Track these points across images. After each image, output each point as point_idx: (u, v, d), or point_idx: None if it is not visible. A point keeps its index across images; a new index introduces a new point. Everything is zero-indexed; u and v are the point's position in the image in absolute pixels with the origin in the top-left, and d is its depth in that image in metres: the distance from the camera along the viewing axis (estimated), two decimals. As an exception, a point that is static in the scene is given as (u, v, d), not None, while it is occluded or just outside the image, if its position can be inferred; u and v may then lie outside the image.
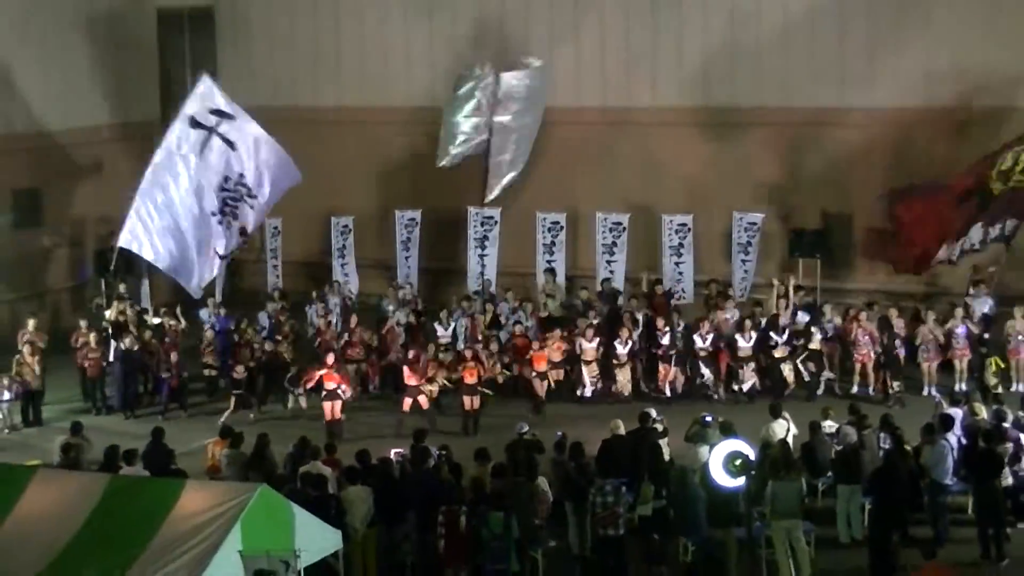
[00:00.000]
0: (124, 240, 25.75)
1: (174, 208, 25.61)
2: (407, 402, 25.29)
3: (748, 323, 26.63)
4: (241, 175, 26.10)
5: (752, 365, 26.52)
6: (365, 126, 31.91)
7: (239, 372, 26.42)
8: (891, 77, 29.32)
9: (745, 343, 26.48)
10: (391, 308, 28.88)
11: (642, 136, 31.44)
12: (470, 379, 25.46)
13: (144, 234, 25.54)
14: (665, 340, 26.78)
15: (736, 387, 26.65)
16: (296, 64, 34.82)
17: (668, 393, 26.63)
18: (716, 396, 26.52)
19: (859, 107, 29.52)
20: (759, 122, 30.37)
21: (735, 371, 26.66)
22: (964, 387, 25.65)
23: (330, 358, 25.41)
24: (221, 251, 26.12)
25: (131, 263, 29.83)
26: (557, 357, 26.62)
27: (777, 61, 30.38)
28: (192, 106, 25.89)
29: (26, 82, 31.59)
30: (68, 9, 32.37)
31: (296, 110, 34.00)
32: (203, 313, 29.08)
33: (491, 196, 30.31)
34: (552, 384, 26.48)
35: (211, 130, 25.81)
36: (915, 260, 26.60)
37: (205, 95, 26.03)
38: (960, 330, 26.17)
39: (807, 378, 26.42)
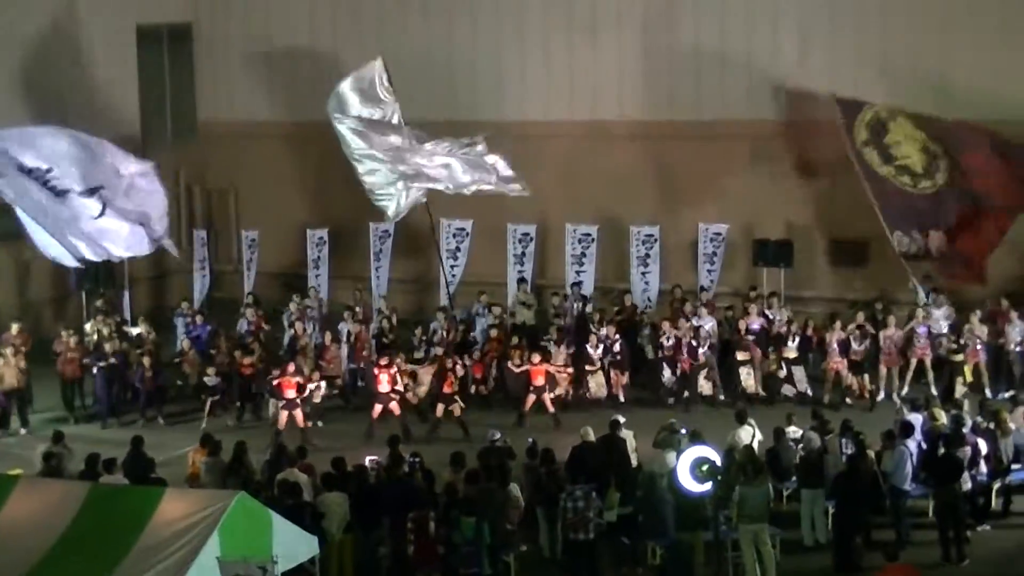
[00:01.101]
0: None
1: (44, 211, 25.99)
2: (377, 409, 25.39)
3: (702, 332, 26.85)
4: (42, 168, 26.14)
5: (705, 372, 26.76)
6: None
7: (210, 374, 26.69)
8: (851, 89, 29.68)
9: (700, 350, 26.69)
10: (358, 309, 29.14)
11: (610, 149, 31.70)
12: (448, 388, 25.52)
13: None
14: (616, 348, 26.86)
15: (687, 393, 26.78)
16: (273, 79, 35.01)
17: (622, 399, 26.70)
18: (671, 400, 26.67)
19: (821, 119, 29.70)
20: (723, 135, 30.59)
21: (692, 377, 26.78)
22: (935, 391, 25.96)
23: (290, 366, 25.36)
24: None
25: (112, 274, 30.15)
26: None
27: (740, 75, 30.70)
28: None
29: (7, 99, 31.70)
30: (47, 25, 32.50)
31: (272, 125, 34.26)
32: (178, 322, 29.38)
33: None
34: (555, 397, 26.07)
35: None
36: (976, 273, 27.02)
37: None
38: (921, 330, 26.56)
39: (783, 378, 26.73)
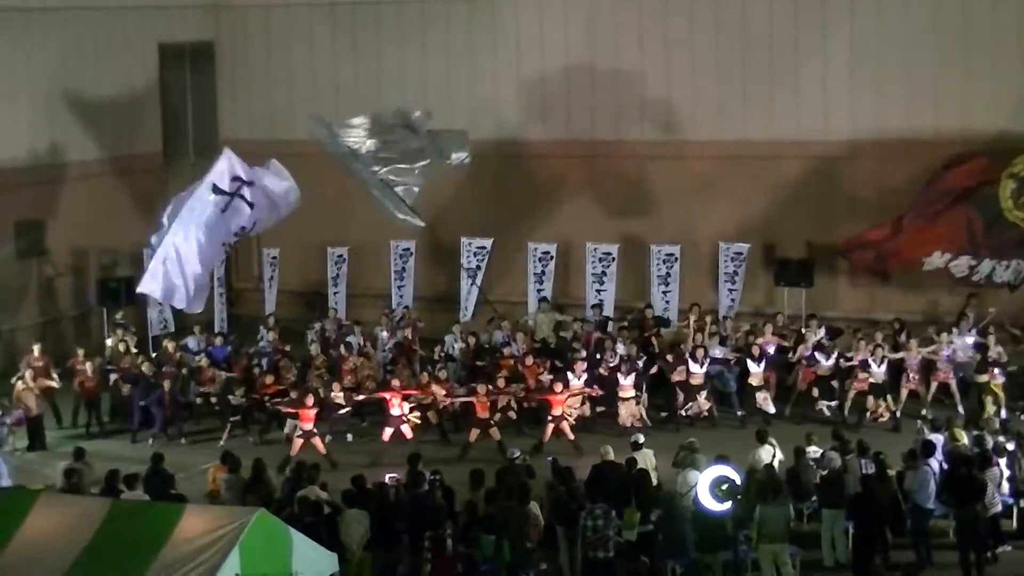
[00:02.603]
0: (147, 287, 26.10)
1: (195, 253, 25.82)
2: (387, 432, 25.25)
3: (700, 352, 26.73)
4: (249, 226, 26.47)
5: (704, 392, 26.61)
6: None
7: (236, 395, 26.65)
8: (874, 108, 29.71)
9: (698, 370, 26.63)
10: (384, 334, 29.21)
11: (631, 168, 31.70)
12: (482, 413, 25.34)
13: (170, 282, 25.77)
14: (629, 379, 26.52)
15: (684, 412, 26.69)
16: (294, 98, 35.05)
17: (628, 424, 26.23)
18: (684, 416, 26.62)
19: (842, 139, 29.88)
20: (745, 154, 30.62)
21: (690, 395, 26.69)
22: (960, 410, 26.08)
23: (309, 399, 25.17)
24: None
25: (133, 292, 30.20)
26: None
27: (762, 93, 30.75)
28: (214, 177, 26.02)
29: (30, 115, 31.93)
30: (71, 44, 32.69)
31: (294, 143, 34.21)
32: (191, 342, 29.32)
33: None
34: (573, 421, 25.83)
35: (233, 195, 26.02)
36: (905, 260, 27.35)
37: (228, 168, 26.17)
38: (944, 354, 26.51)
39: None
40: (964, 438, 21.64)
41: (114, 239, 32.44)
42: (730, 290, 30.14)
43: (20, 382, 26.55)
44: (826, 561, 20.29)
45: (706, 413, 26.72)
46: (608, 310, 30.31)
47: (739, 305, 30.09)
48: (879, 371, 26.22)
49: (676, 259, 30.47)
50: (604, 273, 30.81)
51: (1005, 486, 20.89)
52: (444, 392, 26.16)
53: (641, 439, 22.22)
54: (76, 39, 32.87)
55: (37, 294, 32.37)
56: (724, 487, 16.56)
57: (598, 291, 30.73)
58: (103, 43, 33.60)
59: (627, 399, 26.30)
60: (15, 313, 31.67)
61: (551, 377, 26.32)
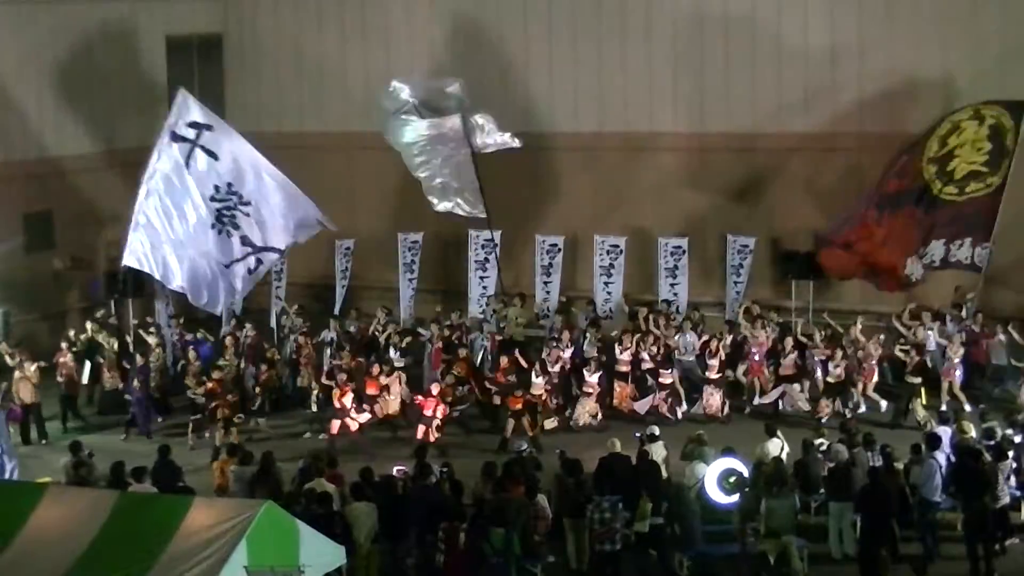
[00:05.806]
0: (129, 259, 26.16)
1: (174, 223, 25.96)
2: (420, 430, 24.85)
3: (715, 344, 26.79)
4: (230, 184, 26.25)
5: (712, 387, 26.57)
6: (369, 151, 32.24)
7: (198, 393, 26.18)
8: (881, 102, 29.64)
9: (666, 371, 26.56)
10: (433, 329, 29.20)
11: (639, 160, 31.67)
12: (517, 404, 25.22)
13: (151, 252, 25.95)
14: (624, 356, 26.73)
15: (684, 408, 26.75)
16: (302, 90, 35.08)
17: (627, 411, 26.43)
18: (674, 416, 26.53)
19: (848, 132, 29.80)
20: (752, 147, 30.61)
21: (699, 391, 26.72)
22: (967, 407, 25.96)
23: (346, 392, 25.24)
24: (227, 261, 26.29)
25: (141, 284, 30.25)
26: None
27: (770, 87, 30.70)
28: (171, 120, 26.14)
29: (38, 109, 31.94)
30: (78, 36, 32.66)
31: (302, 136, 34.35)
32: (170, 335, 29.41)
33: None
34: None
35: (192, 143, 26.06)
36: (894, 280, 27.00)
37: (182, 108, 26.22)
38: (932, 346, 26.64)
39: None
40: (972, 431, 21.62)
41: (121, 231, 32.34)
42: (735, 282, 30.10)
43: (17, 372, 26.52)
44: (833, 554, 20.33)
45: (716, 409, 26.61)
46: (615, 302, 30.30)
47: (744, 298, 30.00)
48: (835, 372, 26.17)
49: (684, 251, 30.44)
50: (612, 266, 30.79)
51: (1013, 479, 20.87)
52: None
53: (656, 431, 22.22)
54: (83, 32, 32.86)
55: (45, 287, 32.38)
56: (732, 480, 16.65)
57: (606, 283, 30.72)
58: (110, 36, 33.60)
59: (589, 395, 26.19)
60: (23, 306, 31.65)
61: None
